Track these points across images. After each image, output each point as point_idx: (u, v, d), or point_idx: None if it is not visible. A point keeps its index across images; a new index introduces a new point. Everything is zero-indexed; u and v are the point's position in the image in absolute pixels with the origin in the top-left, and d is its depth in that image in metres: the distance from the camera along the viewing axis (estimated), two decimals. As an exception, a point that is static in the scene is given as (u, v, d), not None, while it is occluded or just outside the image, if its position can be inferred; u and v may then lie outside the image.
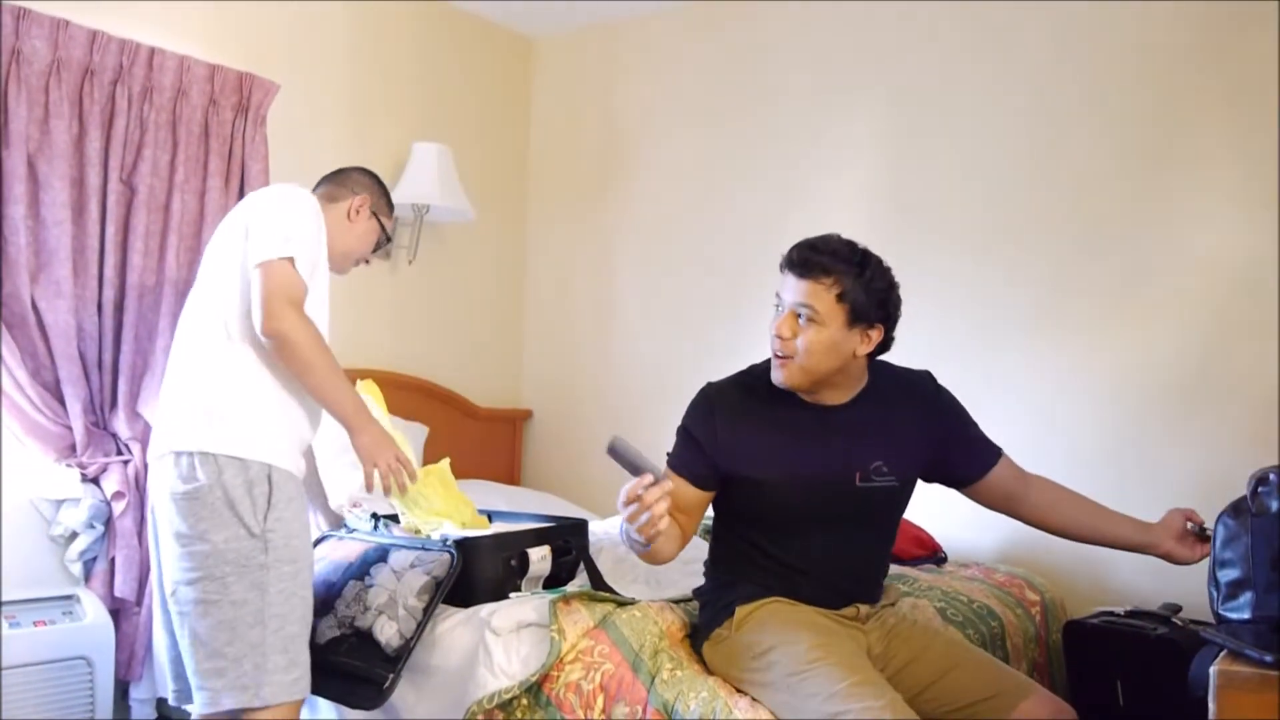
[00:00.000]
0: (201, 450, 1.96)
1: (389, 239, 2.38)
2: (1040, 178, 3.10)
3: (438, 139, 3.69)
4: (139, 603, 2.74)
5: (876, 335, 1.90)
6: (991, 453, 2.05)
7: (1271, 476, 1.55)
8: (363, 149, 3.57)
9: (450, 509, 2.33)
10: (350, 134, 3.55)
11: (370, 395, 2.27)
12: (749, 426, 1.93)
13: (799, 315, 1.85)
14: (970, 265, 3.20)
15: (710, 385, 2.01)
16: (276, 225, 2.02)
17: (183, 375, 2.06)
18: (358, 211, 2.29)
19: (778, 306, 1.90)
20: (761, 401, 1.95)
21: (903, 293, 1.95)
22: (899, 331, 1.95)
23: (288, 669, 1.97)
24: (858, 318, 1.85)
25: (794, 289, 1.86)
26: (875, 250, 1.92)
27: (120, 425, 2.75)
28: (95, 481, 2.71)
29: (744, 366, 2.07)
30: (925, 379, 2.08)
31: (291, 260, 1.98)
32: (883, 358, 2.01)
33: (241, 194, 2.98)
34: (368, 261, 2.38)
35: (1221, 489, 1.78)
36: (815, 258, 1.85)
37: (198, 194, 2.91)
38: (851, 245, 1.89)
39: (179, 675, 2.08)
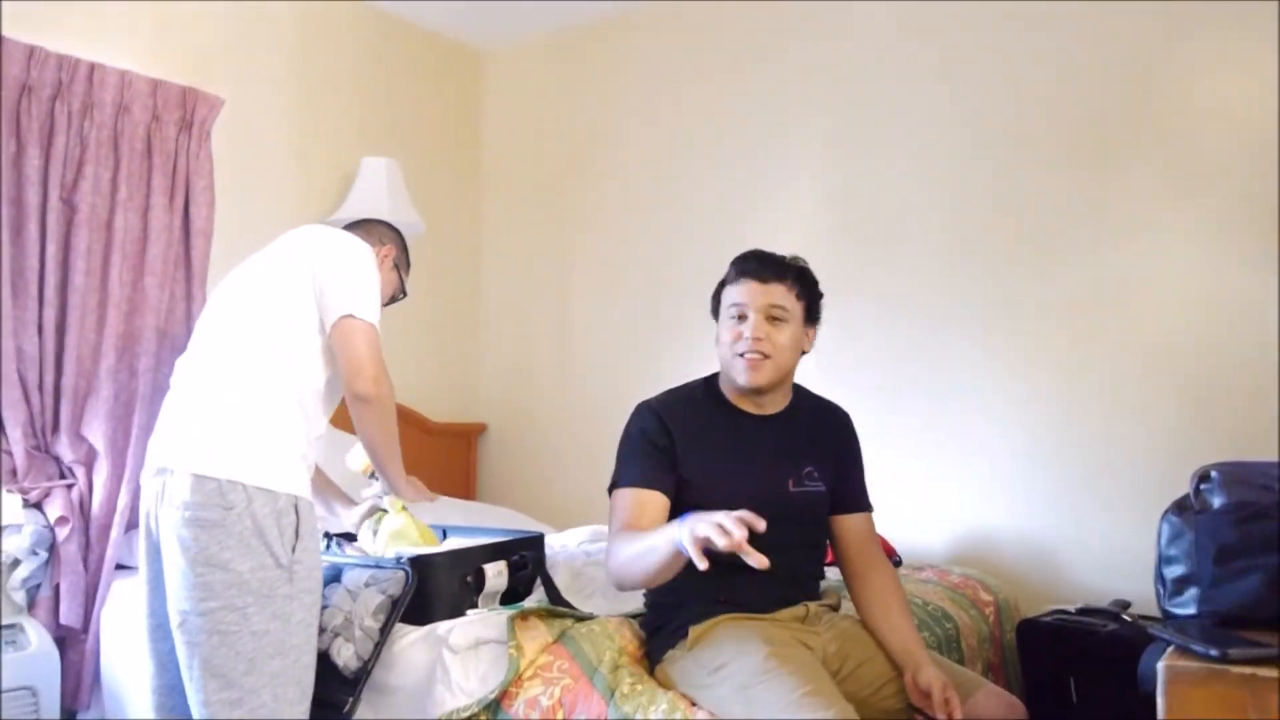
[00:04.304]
0: (230, 478, 1.92)
1: (404, 294, 2.46)
2: (989, 196, 3.14)
3: (387, 153, 3.67)
4: (85, 630, 2.68)
5: (813, 335, 2.08)
6: (864, 500, 2.14)
7: (1213, 474, 1.58)
8: (311, 164, 3.54)
9: (422, 538, 2.37)
10: (298, 149, 3.51)
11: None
12: (694, 431, 2.01)
13: (770, 317, 1.98)
14: (919, 280, 3.24)
15: (648, 401, 2.08)
16: (364, 285, 2.09)
17: (209, 398, 2.01)
18: (383, 260, 2.34)
19: (740, 315, 1.99)
20: (699, 411, 2.05)
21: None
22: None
23: (300, 700, 1.97)
24: (809, 316, 2.05)
25: (761, 293, 1.99)
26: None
27: (63, 449, 2.69)
28: (38, 507, 2.65)
29: (699, 378, 2.14)
30: (845, 414, 2.20)
31: (376, 326, 2.07)
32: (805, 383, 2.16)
33: (187, 212, 2.94)
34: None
35: (1159, 491, 1.82)
36: (773, 264, 2.02)
37: (141, 211, 2.86)
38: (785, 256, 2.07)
39: (171, 706, 2.03)
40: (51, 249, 2.69)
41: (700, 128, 3.69)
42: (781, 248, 2.10)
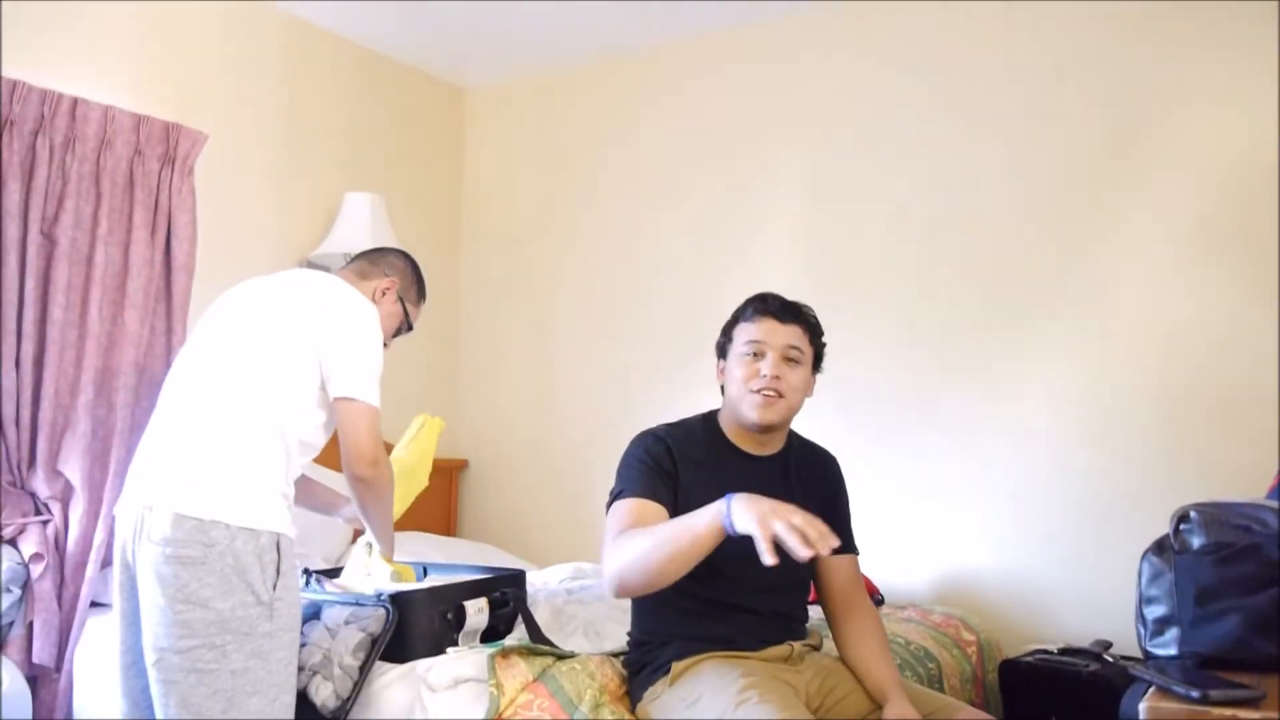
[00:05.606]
0: (214, 519, 1.90)
1: (410, 328, 2.42)
2: (969, 238, 3.17)
3: (370, 188, 3.67)
4: (58, 669, 2.63)
5: (814, 382, 2.08)
6: (850, 543, 2.14)
7: (1192, 514, 1.59)
8: (294, 199, 3.54)
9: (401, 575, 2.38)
10: (281, 184, 3.51)
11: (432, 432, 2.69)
12: (695, 464, 2.00)
13: (787, 357, 1.99)
14: (901, 322, 3.28)
15: (653, 429, 2.06)
16: (368, 364, 2.10)
17: (194, 434, 1.99)
18: (383, 293, 2.32)
19: (758, 353, 2.00)
20: (700, 446, 2.05)
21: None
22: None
23: None
24: (816, 361, 2.08)
25: (780, 333, 2.01)
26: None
27: (39, 484, 2.66)
28: (12, 543, 2.61)
29: (678, 416, 2.13)
30: (834, 458, 2.21)
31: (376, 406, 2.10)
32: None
33: (169, 246, 2.93)
34: (385, 345, 2.30)
35: (1141, 531, 1.83)
36: (791, 307, 2.05)
37: (122, 246, 2.85)
38: None
39: None
40: (30, 283, 2.67)
41: (679, 170, 3.72)
42: (763, 290, 2.11)
